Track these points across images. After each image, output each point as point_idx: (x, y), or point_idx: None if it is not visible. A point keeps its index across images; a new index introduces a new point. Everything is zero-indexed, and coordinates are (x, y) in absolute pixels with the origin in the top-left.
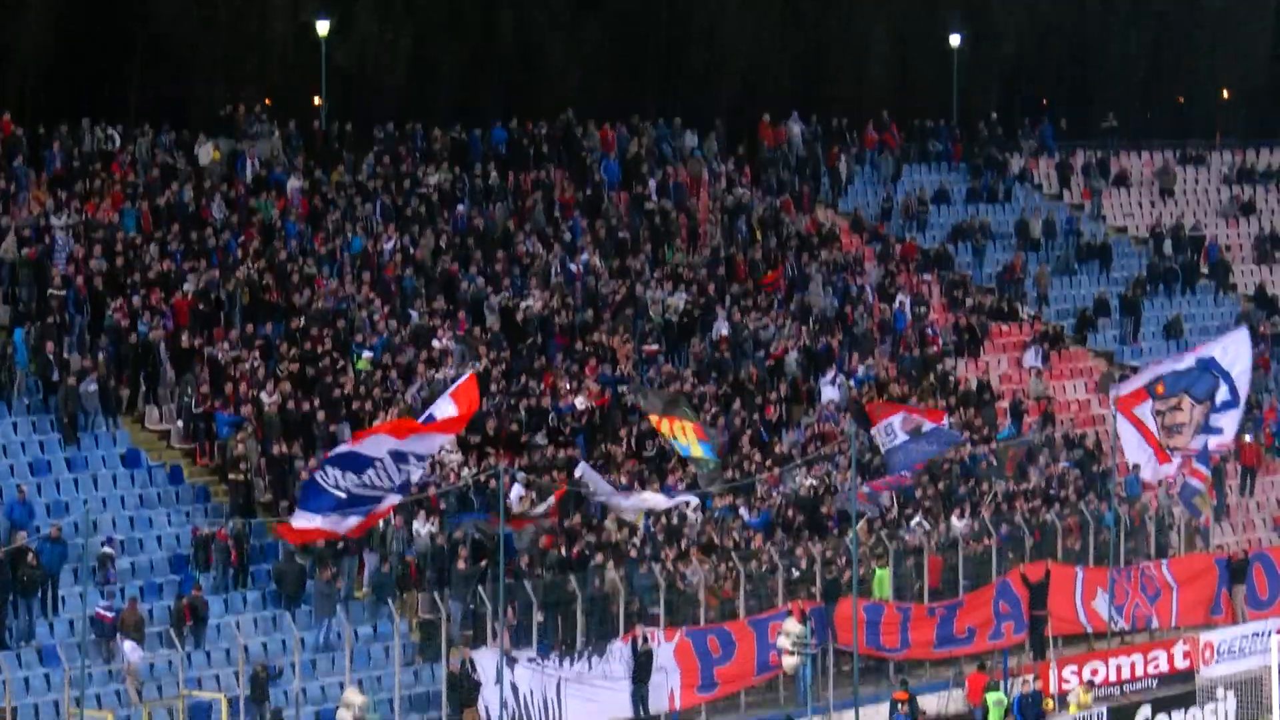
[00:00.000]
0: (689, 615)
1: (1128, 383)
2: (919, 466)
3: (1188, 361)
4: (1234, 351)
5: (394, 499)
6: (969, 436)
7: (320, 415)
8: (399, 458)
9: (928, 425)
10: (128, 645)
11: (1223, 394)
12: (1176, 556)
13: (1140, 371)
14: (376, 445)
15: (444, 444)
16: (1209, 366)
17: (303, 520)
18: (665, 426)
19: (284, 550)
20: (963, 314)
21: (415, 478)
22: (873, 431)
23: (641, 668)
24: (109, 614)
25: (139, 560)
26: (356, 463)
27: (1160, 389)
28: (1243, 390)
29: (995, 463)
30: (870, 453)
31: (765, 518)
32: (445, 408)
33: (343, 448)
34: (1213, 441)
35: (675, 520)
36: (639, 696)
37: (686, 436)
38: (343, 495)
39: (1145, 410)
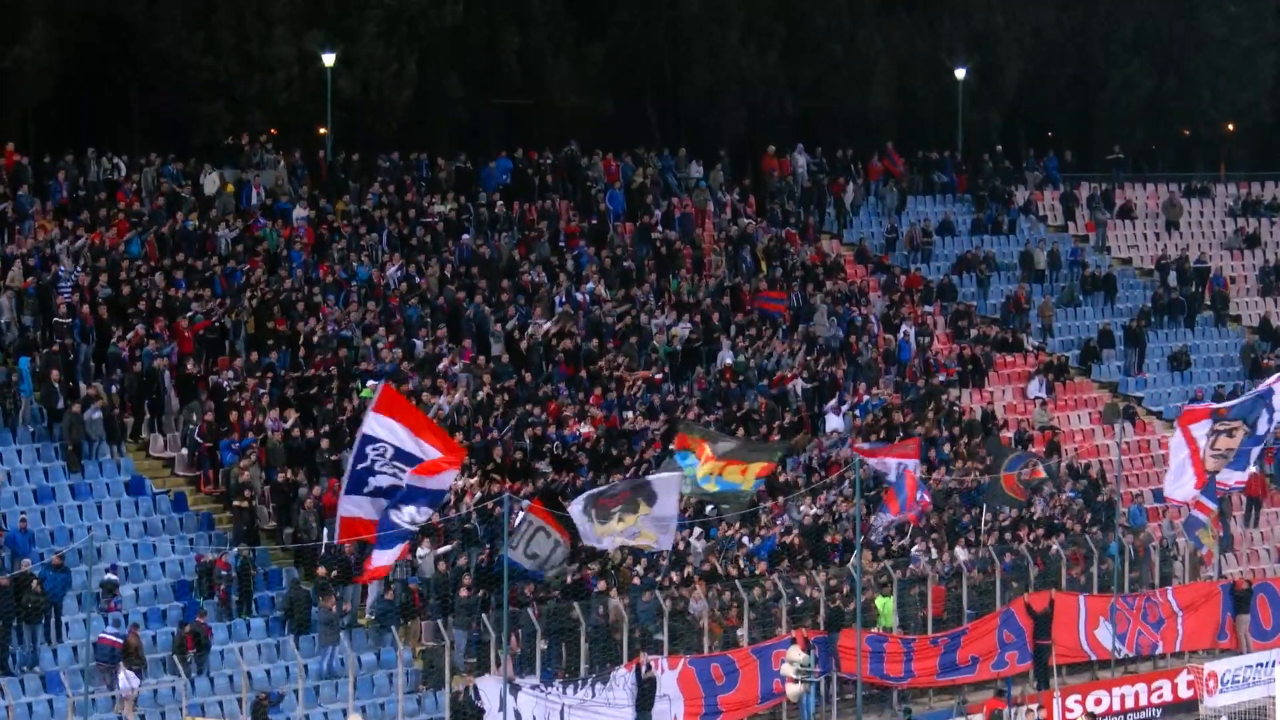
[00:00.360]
0: (693, 643)
1: (1202, 403)
2: (925, 505)
3: (1259, 390)
4: None
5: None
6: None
7: (324, 443)
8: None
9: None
10: (123, 674)
11: (1262, 424)
12: (1180, 585)
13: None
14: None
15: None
16: (1266, 397)
17: (351, 505)
18: (713, 468)
19: (288, 578)
20: (967, 345)
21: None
22: (872, 464)
23: (645, 695)
24: (117, 639)
25: (142, 587)
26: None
27: (1224, 411)
28: (1272, 426)
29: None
30: (874, 483)
31: (769, 545)
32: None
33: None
34: (1233, 478)
35: (681, 546)
36: None
37: (745, 476)
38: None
39: (1202, 429)
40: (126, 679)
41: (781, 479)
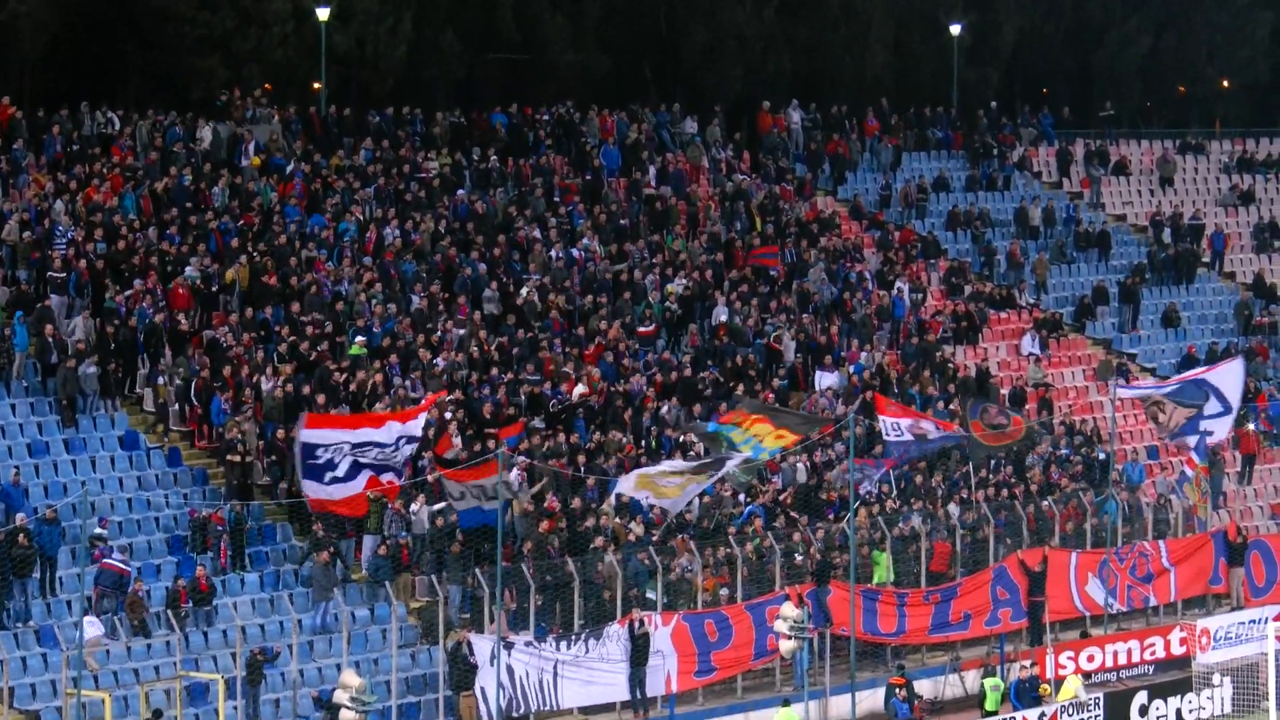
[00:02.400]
0: (687, 599)
1: (1127, 391)
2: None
3: (1181, 382)
4: (1228, 378)
5: (390, 476)
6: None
7: (320, 399)
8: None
9: (934, 433)
10: (87, 620)
11: (1212, 406)
12: (1172, 539)
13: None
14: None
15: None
16: (1200, 384)
17: (312, 490)
18: (762, 430)
19: (282, 533)
20: (961, 301)
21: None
22: (878, 420)
23: (639, 651)
24: (125, 567)
25: (136, 542)
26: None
27: (1158, 399)
28: (1234, 401)
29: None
30: (868, 439)
31: (757, 510)
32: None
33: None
34: (1207, 440)
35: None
36: (636, 680)
37: (774, 439)
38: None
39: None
40: (91, 624)
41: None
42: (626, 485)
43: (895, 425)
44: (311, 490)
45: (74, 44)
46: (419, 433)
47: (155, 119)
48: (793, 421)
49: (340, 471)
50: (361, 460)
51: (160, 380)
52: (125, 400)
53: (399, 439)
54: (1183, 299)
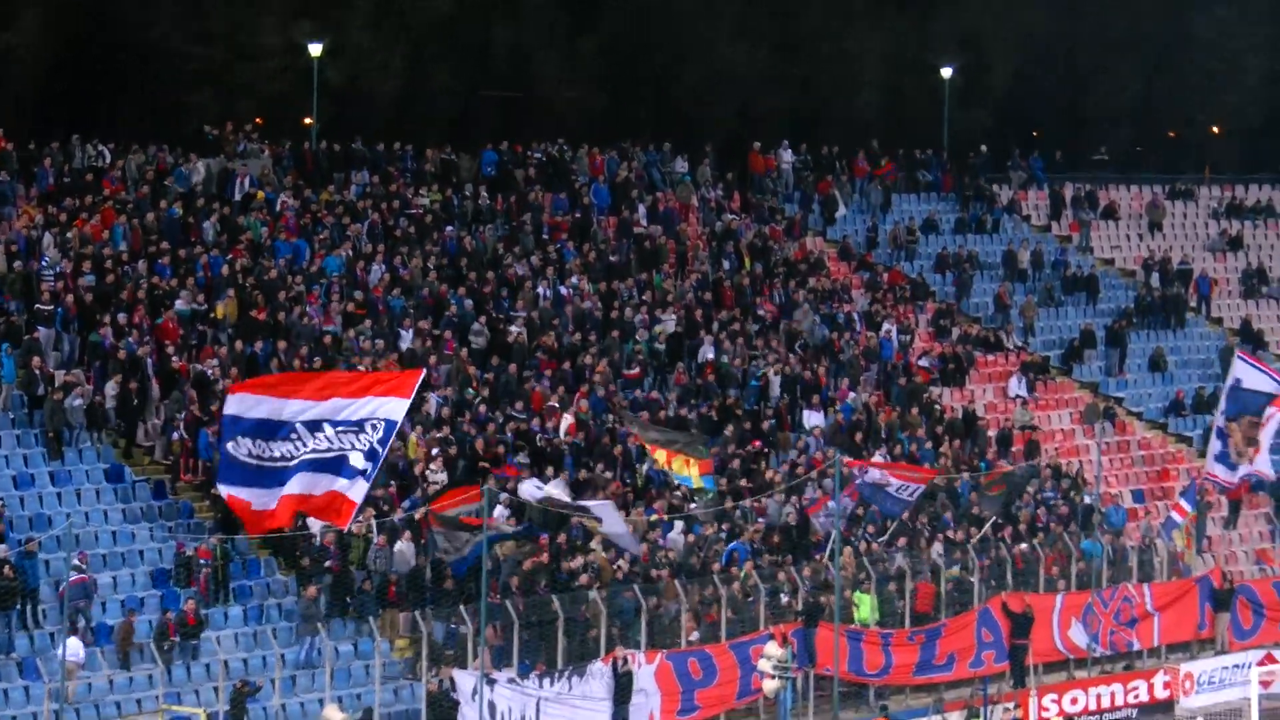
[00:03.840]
0: (671, 638)
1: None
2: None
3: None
4: (1251, 373)
5: (345, 486)
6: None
7: None
8: (313, 426)
9: (893, 485)
10: (71, 642)
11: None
12: (1157, 583)
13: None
14: (285, 409)
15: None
16: (1236, 390)
17: (228, 491)
18: (662, 457)
19: (267, 567)
20: (949, 344)
21: (332, 445)
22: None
23: (622, 689)
24: (85, 575)
25: (120, 575)
26: (267, 429)
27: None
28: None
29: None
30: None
31: (741, 549)
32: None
33: (247, 411)
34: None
35: (660, 540)
36: (619, 718)
37: (690, 469)
38: (253, 465)
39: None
40: (76, 646)
41: (769, 476)
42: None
43: (864, 471)
44: (226, 489)
45: (67, 76)
46: (400, 416)
47: (146, 153)
48: (683, 443)
49: (266, 462)
50: (303, 450)
51: (148, 414)
52: (112, 433)
53: (366, 420)
54: (1170, 343)
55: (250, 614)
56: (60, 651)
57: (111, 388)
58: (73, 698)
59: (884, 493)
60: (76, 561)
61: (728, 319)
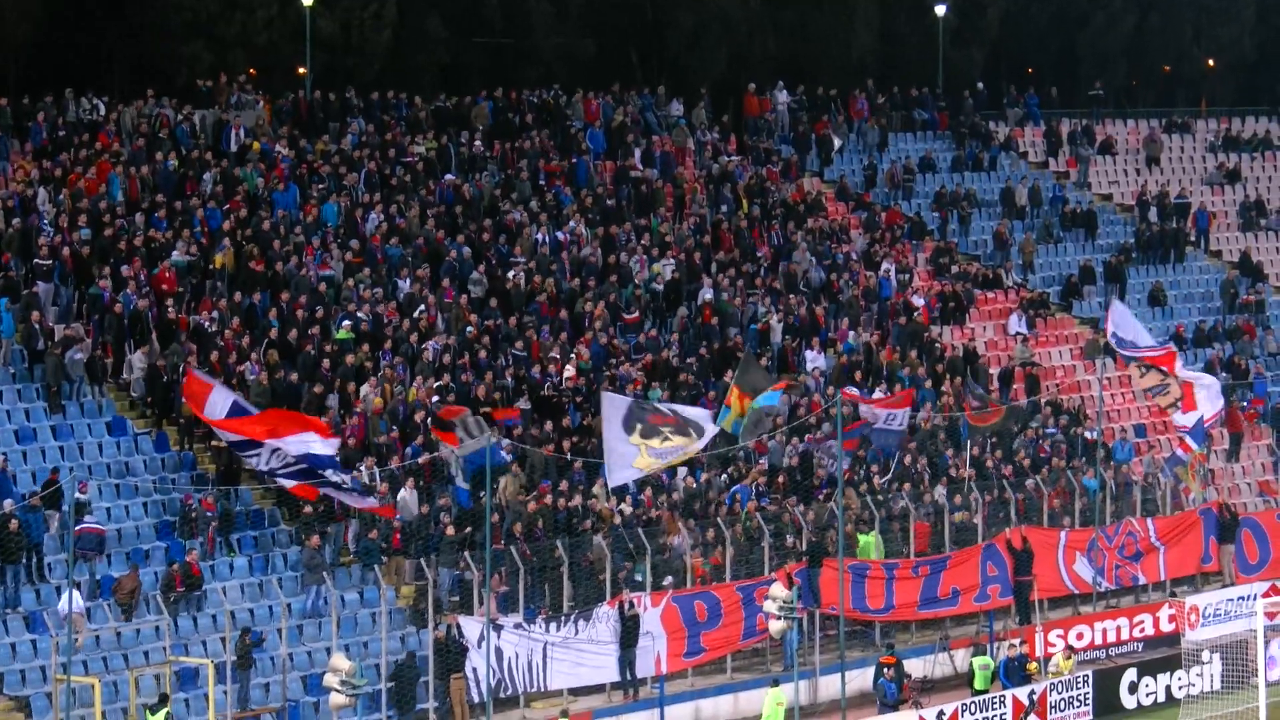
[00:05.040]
0: (676, 581)
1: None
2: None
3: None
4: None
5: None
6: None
7: (307, 385)
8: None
9: (880, 416)
10: (74, 594)
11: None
12: (1160, 517)
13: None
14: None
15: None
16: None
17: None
18: (736, 405)
19: (270, 518)
20: (948, 282)
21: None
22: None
23: (628, 633)
24: (99, 526)
25: (125, 527)
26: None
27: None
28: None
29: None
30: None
31: (745, 491)
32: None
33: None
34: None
35: (664, 481)
36: (625, 661)
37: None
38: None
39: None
40: (73, 601)
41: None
42: (625, 475)
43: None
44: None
45: (59, 31)
46: (332, 451)
47: (139, 105)
48: (750, 380)
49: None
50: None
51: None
52: (111, 386)
53: (304, 455)
54: (1169, 278)
55: (255, 564)
56: (64, 603)
57: (139, 359)
58: (80, 649)
59: (876, 429)
60: (79, 496)
61: (726, 261)
